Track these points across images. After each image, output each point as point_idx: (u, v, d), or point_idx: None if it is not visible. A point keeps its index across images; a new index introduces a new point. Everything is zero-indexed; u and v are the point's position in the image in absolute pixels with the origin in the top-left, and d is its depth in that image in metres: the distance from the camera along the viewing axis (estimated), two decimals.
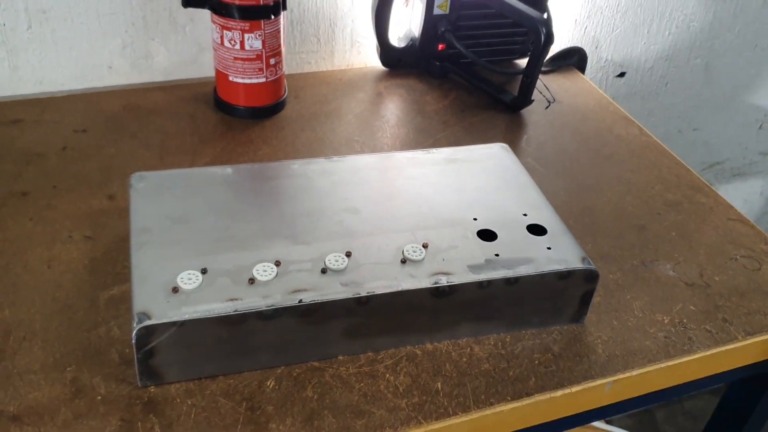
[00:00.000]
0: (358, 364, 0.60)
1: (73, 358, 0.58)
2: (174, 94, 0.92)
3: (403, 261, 0.60)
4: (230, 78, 0.85)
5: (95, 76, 0.92)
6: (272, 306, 0.55)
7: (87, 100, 0.89)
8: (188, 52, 0.95)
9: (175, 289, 0.55)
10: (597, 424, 1.45)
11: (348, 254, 0.60)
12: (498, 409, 0.57)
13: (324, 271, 0.58)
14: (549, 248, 0.63)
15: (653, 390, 0.64)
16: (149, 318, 0.53)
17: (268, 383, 0.57)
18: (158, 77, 0.95)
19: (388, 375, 0.59)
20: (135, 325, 0.53)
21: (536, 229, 0.65)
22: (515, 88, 0.96)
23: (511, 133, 0.92)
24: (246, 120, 0.88)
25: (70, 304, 0.62)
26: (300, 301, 0.55)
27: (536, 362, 0.61)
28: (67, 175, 0.77)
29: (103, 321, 0.61)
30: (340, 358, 0.60)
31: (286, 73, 0.98)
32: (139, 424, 0.54)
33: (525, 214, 0.66)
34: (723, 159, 1.52)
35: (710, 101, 1.40)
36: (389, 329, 0.60)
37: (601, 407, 0.63)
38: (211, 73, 0.90)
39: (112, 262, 0.67)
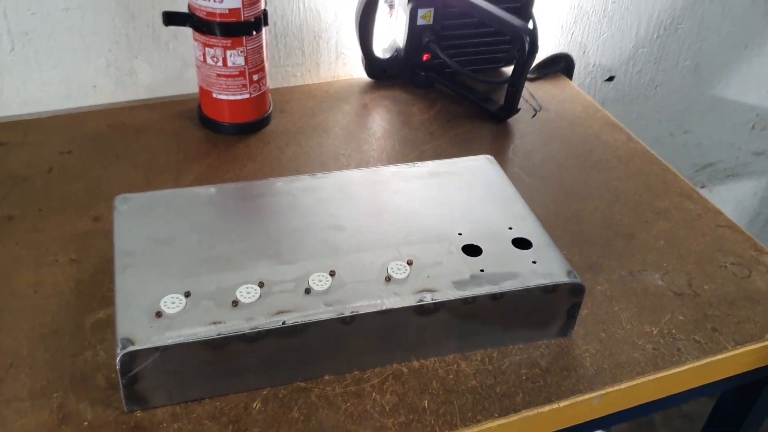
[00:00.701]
0: (344, 383, 0.59)
1: (60, 383, 0.58)
2: (159, 112, 0.92)
3: (388, 279, 0.59)
4: (214, 95, 0.85)
5: (80, 96, 0.92)
6: (255, 329, 0.55)
7: (72, 120, 0.89)
8: (172, 68, 0.95)
9: (159, 314, 0.55)
10: None
11: (332, 273, 0.59)
12: (485, 426, 0.57)
13: (308, 291, 0.58)
14: (534, 262, 0.62)
15: (642, 402, 0.64)
16: (133, 343, 0.53)
17: (254, 405, 0.57)
18: (143, 94, 0.95)
19: (374, 394, 0.59)
20: (119, 351, 0.52)
21: (521, 243, 0.64)
22: (502, 97, 0.96)
23: (498, 143, 0.92)
24: (231, 136, 0.88)
25: (57, 329, 0.62)
26: (283, 323, 0.55)
27: (523, 377, 0.61)
28: (53, 197, 0.77)
29: (89, 345, 0.61)
30: (327, 377, 0.60)
31: (272, 87, 0.98)
32: None
33: (510, 228, 0.66)
34: (716, 160, 1.52)
35: (701, 103, 1.41)
36: (375, 348, 0.60)
37: (590, 421, 0.63)
38: (196, 89, 0.89)
39: (98, 285, 0.67)
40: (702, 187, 1.54)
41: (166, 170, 0.82)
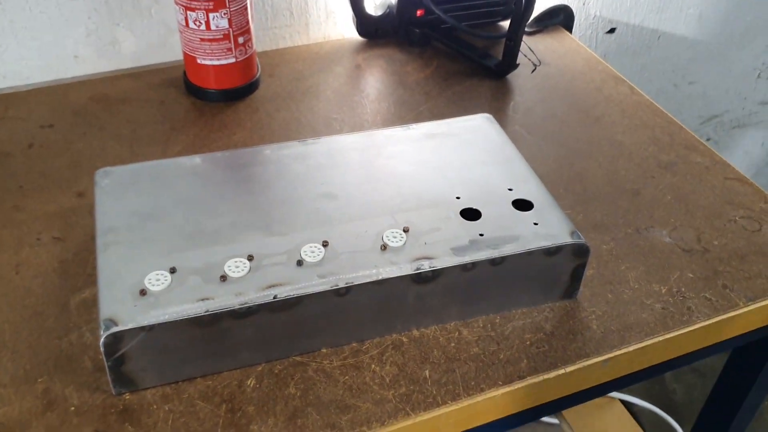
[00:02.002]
0: (342, 356, 0.57)
1: (44, 368, 0.55)
2: (143, 81, 0.88)
3: (383, 247, 0.57)
4: (198, 60, 0.82)
5: (61, 67, 0.89)
6: (246, 304, 0.52)
7: (53, 92, 0.86)
8: (156, 35, 0.91)
9: (143, 292, 0.52)
10: None
11: (325, 244, 0.57)
12: (489, 394, 0.55)
13: (300, 263, 0.55)
14: (536, 224, 0.59)
15: (652, 364, 0.62)
16: (116, 324, 0.50)
17: (249, 382, 0.55)
18: (127, 63, 0.92)
19: (373, 365, 0.56)
20: (102, 332, 0.50)
21: (522, 204, 0.61)
22: (500, 53, 0.92)
23: (497, 100, 0.89)
24: (218, 103, 0.85)
25: (41, 310, 0.60)
26: (275, 296, 0.53)
27: (528, 343, 0.59)
28: (35, 173, 0.74)
29: (74, 326, 0.59)
30: (324, 350, 0.57)
31: (259, 50, 0.95)
32: None
33: (510, 189, 0.63)
34: (721, 112, 1.47)
35: (705, 52, 1.36)
36: (373, 318, 0.57)
37: (598, 385, 0.61)
38: (181, 56, 0.86)
39: (83, 263, 0.64)
40: (708, 139, 1.50)
41: (152, 141, 0.79)
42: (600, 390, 0.62)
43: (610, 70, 0.95)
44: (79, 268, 0.64)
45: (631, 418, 1.31)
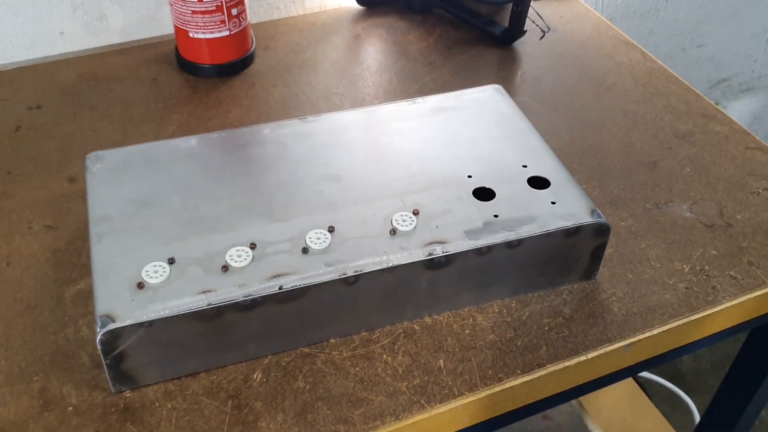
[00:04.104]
0: (352, 346, 0.54)
1: (40, 365, 0.53)
2: (134, 57, 0.84)
3: (393, 232, 0.54)
4: (191, 34, 0.78)
5: (47, 44, 0.85)
6: (250, 296, 0.49)
7: (40, 71, 0.82)
8: (145, 8, 0.86)
9: (141, 285, 0.50)
10: None
11: (331, 229, 0.53)
12: (508, 384, 0.52)
13: (305, 250, 0.52)
14: (553, 202, 0.56)
15: (676, 346, 0.59)
16: (113, 321, 0.47)
17: (255, 376, 0.52)
18: (116, 39, 0.87)
19: (385, 356, 0.54)
20: (98, 329, 0.47)
21: (538, 182, 0.58)
22: (506, 19, 0.88)
23: (504, 70, 0.85)
24: (212, 79, 0.81)
25: (34, 304, 0.57)
26: (280, 287, 0.50)
27: (546, 328, 0.56)
28: (23, 158, 0.70)
29: (70, 320, 0.56)
30: (332, 341, 0.55)
31: (253, 22, 0.91)
32: None
33: (525, 166, 0.60)
34: (730, 75, 1.43)
35: (714, 14, 1.31)
36: (383, 306, 0.54)
37: (619, 370, 0.58)
38: (172, 30, 0.82)
39: (77, 253, 0.61)
40: (716, 104, 1.46)
41: (145, 121, 0.75)
42: (620, 375, 0.59)
43: (620, 35, 0.91)
44: (73, 257, 0.60)
45: (638, 388, 1.30)
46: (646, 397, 1.27)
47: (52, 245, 0.62)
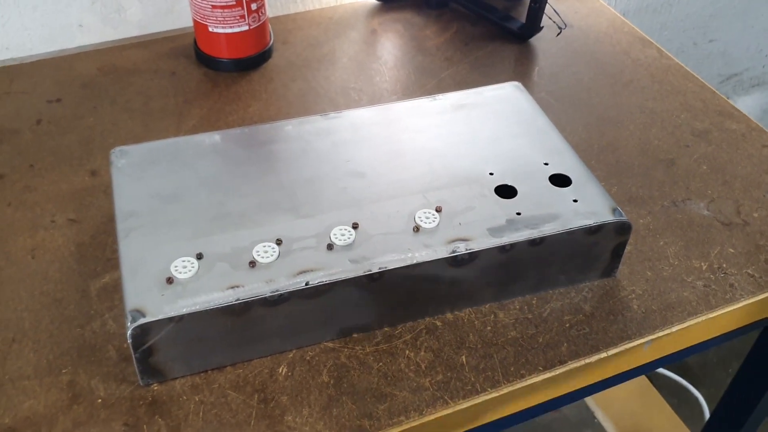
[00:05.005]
0: (374, 341, 0.55)
1: (68, 358, 0.53)
2: (152, 50, 0.85)
3: (416, 229, 0.54)
4: (210, 29, 0.78)
5: (65, 37, 0.85)
6: (277, 291, 0.50)
7: (58, 65, 0.82)
8: (163, 1, 0.87)
9: (170, 280, 0.50)
10: None
11: (355, 226, 0.54)
12: (530, 381, 0.53)
13: (330, 247, 0.53)
14: (575, 200, 0.57)
15: (693, 344, 0.60)
16: (143, 315, 0.48)
17: (280, 370, 0.53)
18: (134, 32, 0.88)
19: (407, 351, 0.54)
20: (129, 324, 0.48)
21: (560, 180, 0.59)
22: (522, 15, 0.89)
23: (522, 66, 0.85)
24: (231, 73, 0.81)
25: (60, 297, 0.58)
26: (307, 283, 0.50)
27: (567, 325, 0.56)
28: (45, 151, 0.71)
29: (96, 314, 0.56)
30: (355, 336, 0.55)
31: (270, 16, 0.91)
32: (145, 427, 0.50)
33: (546, 163, 0.60)
34: (741, 70, 1.43)
35: (727, 8, 1.31)
36: (405, 302, 0.55)
37: (638, 367, 0.59)
38: (190, 23, 0.82)
39: (101, 247, 0.62)
40: (727, 98, 1.47)
41: (165, 115, 0.76)
42: (638, 371, 0.60)
43: (635, 31, 0.92)
44: (98, 251, 0.61)
45: (647, 380, 1.31)
46: (656, 390, 1.27)
47: (76, 239, 0.62)
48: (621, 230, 0.57)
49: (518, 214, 0.56)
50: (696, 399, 1.33)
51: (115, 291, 0.58)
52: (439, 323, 0.56)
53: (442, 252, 0.53)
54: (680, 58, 1.34)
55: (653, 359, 0.59)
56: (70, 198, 0.66)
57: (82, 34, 0.86)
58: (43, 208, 0.65)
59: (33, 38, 0.84)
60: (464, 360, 0.54)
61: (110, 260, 0.60)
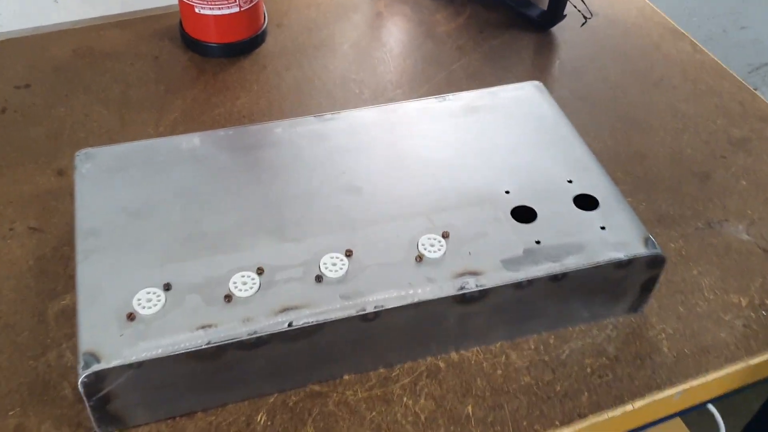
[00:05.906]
0: (368, 384, 0.48)
1: (17, 397, 0.47)
2: (134, 31, 0.77)
3: (419, 258, 0.47)
4: (197, 9, 0.70)
5: (39, 14, 0.77)
6: (255, 333, 0.43)
7: (30, 44, 0.74)
8: None
9: (131, 316, 0.43)
10: None
11: (348, 253, 0.47)
12: None
13: (319, 278, 0.46)
14: (603, 227, 0.50)
15: (728, 390, 0.53)
16: (98, 361, 0.41)
17: (259, 418, 0.46)
18: (115, 9, 0.80)
19: (405, 398, 0.48)
20: (81, 370, 0.41)
21: (585, 201, 0.51)
22: (543, 1, 0.80)
23: (541, 58, 0.77)
24: (220, 59, 0.73)
25: (12, 322, 0.51)
26: (290, 324, 0.43)
27: (588, 370, 0.50)
28: (8, 146, 0.64)
29: (53, 343, 0.50)
30: (346, 378, 0.48)
31: None
32: None
33: (570, 181, 0.53)
34: None
35: None
36: (404, 342, 0.48)
37: (666, 416, 0.52)
38: (176, 1, 0.74)
39: (63, 261, 0.55)
40: (755, 89, 1.38)
41: (144, 106, 0.68)
42: (664, 419, 0.53)
43: (667, 22, 0.83)
44: (59, 267, 0.54)
45: None
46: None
47: (35, 251, 0.55)
48: (653, 264, 0.49)
49: (537, 242, 0.48)
50: (716, 423, 1.26)
51: (75, 315, 0.51)
52: (442, 364, 0.49)
53: (449, 288, 0.46)
54: (709, 45, 1.25)
55: (683, 408, 0.52)
56: (33, 202, 0.59)
57: (58, 10, 0.78)
58: (1, 213, 0.58)
59: (4, 13, 0.76)
60: (470, 411, 0.47)
61: (72, 278, 0.53)
